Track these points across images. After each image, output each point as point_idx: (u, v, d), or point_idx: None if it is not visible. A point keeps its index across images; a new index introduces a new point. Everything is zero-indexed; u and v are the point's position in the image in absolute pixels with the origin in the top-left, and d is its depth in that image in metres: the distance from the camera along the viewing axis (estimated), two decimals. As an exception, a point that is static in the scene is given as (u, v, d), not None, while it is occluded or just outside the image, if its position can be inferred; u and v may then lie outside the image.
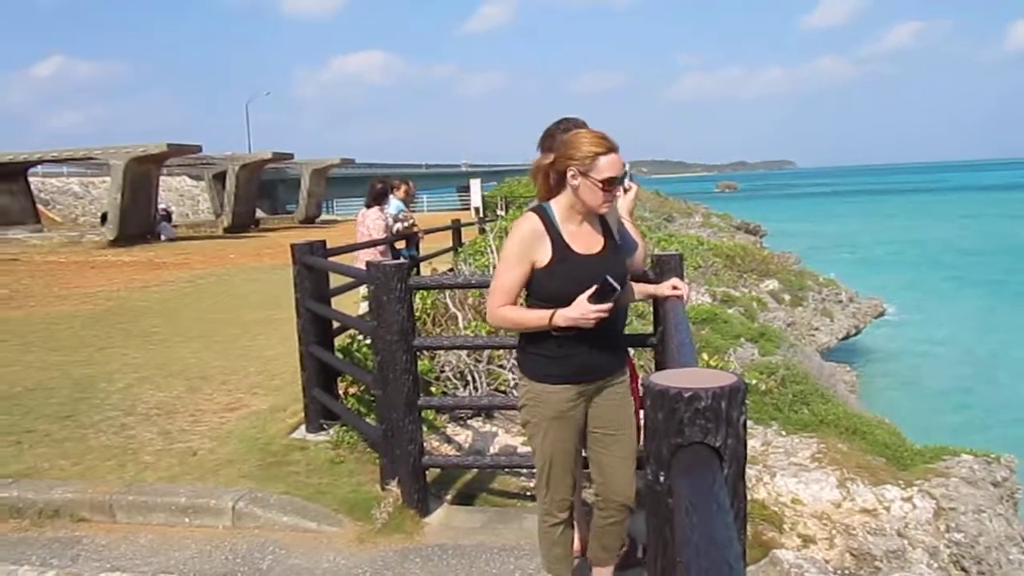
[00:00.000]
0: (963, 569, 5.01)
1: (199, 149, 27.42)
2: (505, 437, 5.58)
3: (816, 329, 15.76)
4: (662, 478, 1.34)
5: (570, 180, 2.78)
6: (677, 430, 1.29)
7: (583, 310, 2.68)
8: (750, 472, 5.21)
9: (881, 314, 19.26)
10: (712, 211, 33.05)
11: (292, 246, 5.72)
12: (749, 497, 4.93)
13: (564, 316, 2.72)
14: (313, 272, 5.62)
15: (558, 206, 2.84)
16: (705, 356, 7.18)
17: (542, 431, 2.95)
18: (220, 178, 34.35)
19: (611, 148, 2.76)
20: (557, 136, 3.54)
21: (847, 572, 4.67)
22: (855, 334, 17.95)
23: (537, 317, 2.78)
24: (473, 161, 73.36)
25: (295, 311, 5.73)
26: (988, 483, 5.94)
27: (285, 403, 6.21)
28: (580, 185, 2.77)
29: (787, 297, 15.90)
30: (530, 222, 2.82)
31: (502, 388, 6.07)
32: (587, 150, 2.76)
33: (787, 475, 5.33)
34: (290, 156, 35.28)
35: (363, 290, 6.71)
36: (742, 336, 9.18)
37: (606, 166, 2.75)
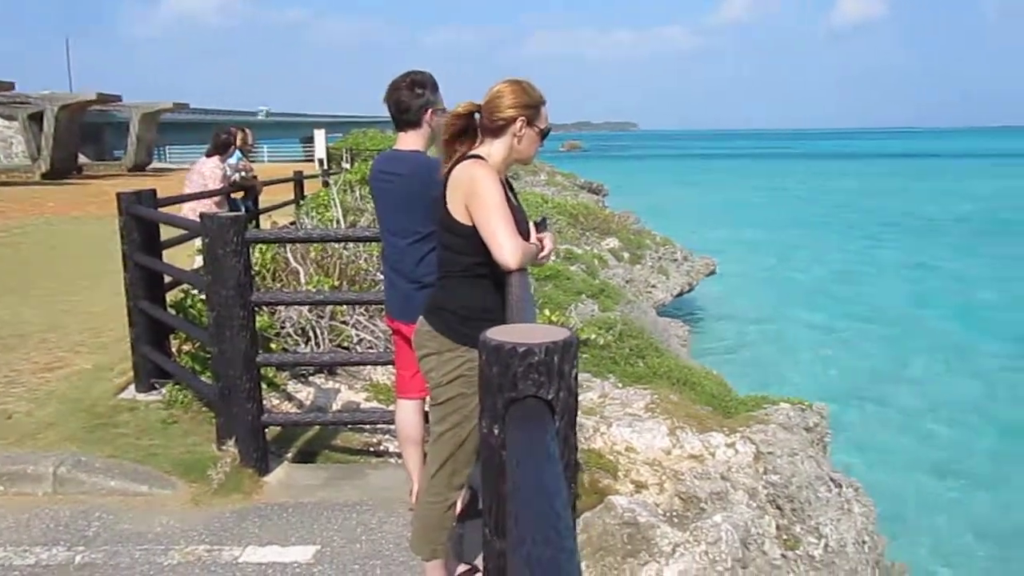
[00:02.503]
0: (778, 507, 5.43)
1: (12, 87, 25.14)
2: (348, 393, 5.53)
3: (653, 286, 16.46)
4: (496, 431, 1.37)
5: (517, 130, 2.72)
6: (511, 384, 1.32)
7: (548, 243, 2.81)
8: (588, 423, 5.42)
9: (712, 272, 20.33)
10: (557, 170, 33.62)
11: (118, 195, 5.38)
12: (587, 447, 5.14)
13: (548, 246, 2.81)
14: (142, 223, 5.31)
15: (494, 159, 2.72)
16: (547, 312, 7.36)
17: (471, 406, 2.73)
18: (37, 119, 31.52)
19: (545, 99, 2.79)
20: (403, 90, 3.50)
21: (676, 514, 4.96)
22: (688, 291, 18.88)
23: (533, 249, 2.73)
24: (273, 109, 70.32)
25: (122, 264, 5.41)
26: (802, 428, 6.43)
27: (112, 362, 5.87)
28: (525, 135, 2.73)
29: (626, 255, 16.49)
30: (490, 169, 2.67)
31: (345, 344, 6.00)
32: (537, 99, 2.74)
33: (622, 425, 5.57)
34: (118, 98, 32.88)
35: (198, 243, 6.42)
36: (583, 293, 9.46)
37: (545, 116, 2.78)
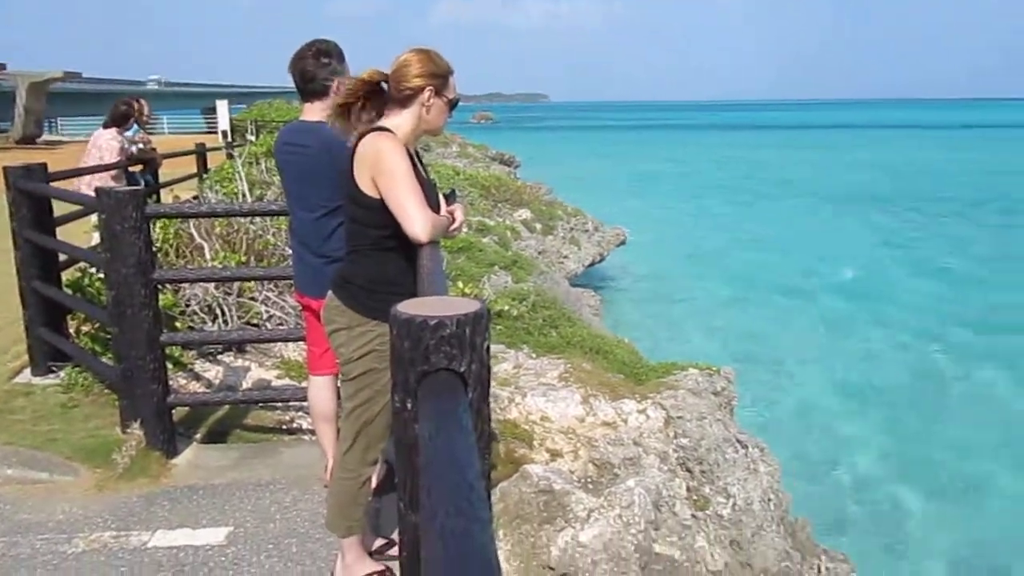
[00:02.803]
0: (688, 470, 5.60)
1: None
2: (259, 371, 5.42)
3: (565, 257, 16.61)
4: (409, 405, 1.36)
5: (425, 101, 2.67)
6: (423, 357, 1.31)
7: (459, 215, 2.80)
8: (502, 394, 5.46)
9: (623, 242, 20.64)
10: (469, 141, 33.45)
11: (5, 169, 5.10)
12: (502, 417, 5.18)
13: (459, 218, 2.80)
14: (32, 199, 5.05)
15: (402, 130, 2.66)
16: (460, 284, 7.35)
17: (383, 380, 2.69)
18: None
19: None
20: (308, 59, 3.40)
21: (590, 480, 5.06)
22: (599, 261, 19.14)
23: (444, 221, 2.69)
24: (169, 79, 67.87)
25: (12, 242, 5.14)
26: (710, 393, 6.62)
27: (5, 345, 5.61)
28: (434, 106, 2.68)
29: (539, 226, 16.58)
30: (397, 141, 2.61)
31: (254, 321, 5.87)
32: (445, 69, 2.69)
33: (537, 395, 5.63)
34: (1, 67, 31.12)
35: (94, 219, 6.15)
36: (496, 264, 9.48)
37: (454, 86, 2.74)
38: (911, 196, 39.35)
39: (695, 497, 5.44)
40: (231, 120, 23.22)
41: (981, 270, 23.15)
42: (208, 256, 6.08)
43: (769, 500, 5.80)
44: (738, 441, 6.04)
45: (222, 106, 23.49)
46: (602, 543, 4.20)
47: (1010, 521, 9.74)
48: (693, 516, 5.25)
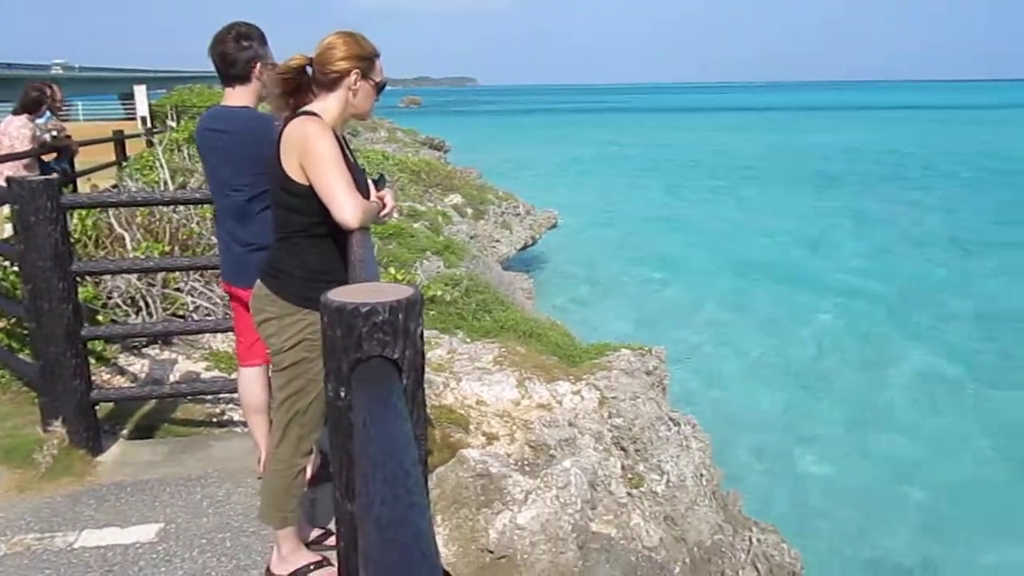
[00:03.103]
0: (623, 449, 5.68)
1: None
2: (187, 364, 5.29)
3: (497, 241, 16.63)
4: (342, 394, 1.34)
5: (351, 84, 2.61)
6: (356, 345, 1.29)
7: (390, 200, 2.76)
8: (437, 379, 5.44)
9: (554, 225, 20.76)
10: (398, 126, 33.14)
11: (-94, 160, 4.85)
12: (437, 403, 5.16)
13: (389, 204, 2.75)
14: (-62, 190, 4.82)
15: (329, 114, 2.61)
16: (392, 270, 7.29)
17: (315, 369, 2.64)
18: None
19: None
20: (229, 43, 3.31)
21: (527, 463, 5.09)
22: (531, 244, 19.22)
23: (374, 207, 2.63)
24: (70, 63, 65.40)
25: (-82, 237, 4.91)
26: (643, 372, 6.72)
27: (-87, 344, 5.34)
28: (360, 89, 2.63)
29: (470, 211, 16.54)
30: (324, 125, 2.55)
31: (180, 313, 5.72)
32: (370, 51, 2.64)
33: (472, 379, 5.63)
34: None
35: (6, 210, 5.89)
36: (428, 249, 9.43)
37: (380, 69, 2.69)
38: (841, 177, 40.54)
39: (630, 475, 5.53)
40: (150, 106, 22.50)
41: (898, 247, 24.03)
42: (130, 247, 5.90)
43: (701, 475, 5.93)
44: (670, 419, 6.15)
45: (140, 91, 22.73)
46: (540, 524, 4.24)
47: (923, 486, 10.17)
48: (628, 494, 5.34)
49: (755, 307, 18.08)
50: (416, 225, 11.18)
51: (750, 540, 5.92)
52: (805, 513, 9.47)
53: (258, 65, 3.29)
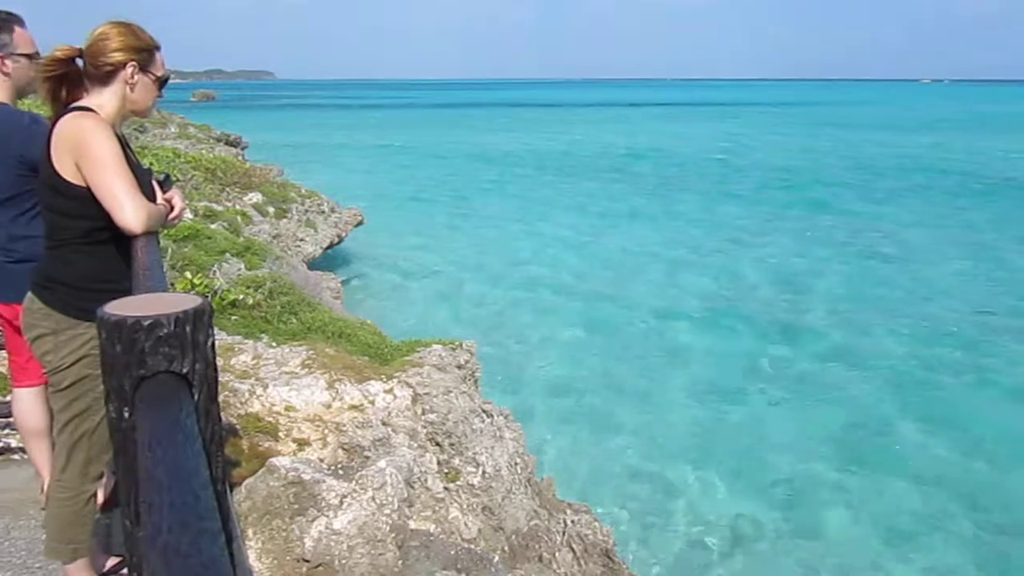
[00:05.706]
0: (437, 444, 5.70)
1: None
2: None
3: (301, 240, 16.17)
4: (126, 414, 1.24)
5: (128, 78, 2.41)
6: (139, 361, 1.20)
7: (178, 202, 2.62)
8: (242, 387, 5.22)
9: (360, 222, 20.46)
10: (189, 121, 31.41)
11: None
12: (243, 411, 4.96)
13: (178, 205, 2.61)
14: None
15: (105, 110, 2.41)
16: (189, 275, 6.90)
17: (100, 387, 2.46)
18: None
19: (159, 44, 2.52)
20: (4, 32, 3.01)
21: (340, 466, 4.99)
22: (338, 243, 18.84)
23: (161, 210, 2.45)
24: None
25: None
26: (454, 367, 6.77)
27: None
28: (139, 83, 2.44)
29: (271, 209, 15.98)
30: (101, 121, 2.34)
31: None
32: (148, 43, 2.45)
33: (279, 384, 5.45)
34: None
35: None
36: (227, 251, 9.01)
37: (161, 62, 2.52)
38: (660, 172, 42.68)
39: (446, 470, 5.56)
40: None
41: (730, 243, 25.67)
42: None
43: (516, 464, 6.07)
44: (483, 411, 6.25)
45: None
46: (357, 527, 4.17)
47: (735, 458, 10.96)
48: (445, 488, 5.37)
49: (562, 294, 18.70)
50: (214, 226, 10.65)
51: (565, 522, 6.12)
52: (615, 491, 9.93)
53: (2, 57, 3.00)
